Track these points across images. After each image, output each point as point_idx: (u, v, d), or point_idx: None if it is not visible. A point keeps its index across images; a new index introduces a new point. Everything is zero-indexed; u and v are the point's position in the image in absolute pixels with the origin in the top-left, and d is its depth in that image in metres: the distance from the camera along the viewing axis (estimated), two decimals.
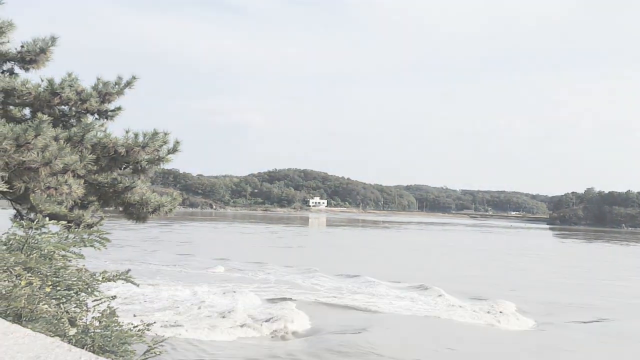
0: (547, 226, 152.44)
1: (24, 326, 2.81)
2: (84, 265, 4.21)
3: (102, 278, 4.01)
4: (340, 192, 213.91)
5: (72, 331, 3.40)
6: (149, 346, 4.01)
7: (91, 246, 4.10)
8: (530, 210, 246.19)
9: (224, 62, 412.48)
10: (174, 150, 8.65)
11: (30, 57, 8.44)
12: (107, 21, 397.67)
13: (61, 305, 3.57)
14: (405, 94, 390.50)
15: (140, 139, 8.21)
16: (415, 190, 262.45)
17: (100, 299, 3.96)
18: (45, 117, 6.95)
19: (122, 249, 34.35)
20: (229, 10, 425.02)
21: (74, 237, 3.99)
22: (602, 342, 17.85)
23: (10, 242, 3.77)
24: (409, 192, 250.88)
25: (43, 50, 8.46)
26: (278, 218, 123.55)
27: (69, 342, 3.09)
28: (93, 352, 3.40)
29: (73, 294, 3.75)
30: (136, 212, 9.06)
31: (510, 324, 19.59)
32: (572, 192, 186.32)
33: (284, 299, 21.52)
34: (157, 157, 8.52)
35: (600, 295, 27.02)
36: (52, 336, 2.77)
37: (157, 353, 4.01)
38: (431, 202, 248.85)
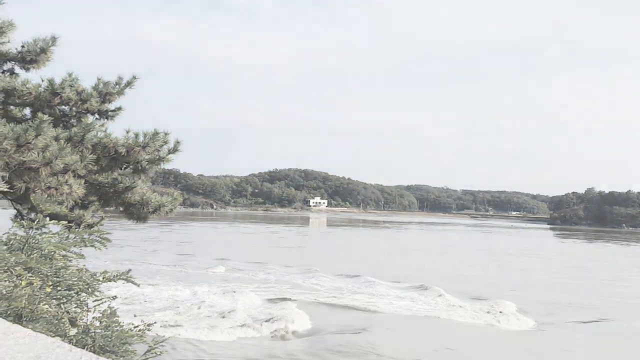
0: (548, 226, 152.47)
1: (24, 326, 2.82)
2: (84, 265, 4.22)
3: (103, 278, 4.02)
4: (341, 192, 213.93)
5: (73, 331, 3.40)
6: (150, 346, 4.02)
7: (92, 246, 4.11)
8: (530, 210, 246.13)
9: (224, 62, 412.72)
10: (174, 150, 8.67)
11: (31, 57, 8.46)
12: (107, 20, 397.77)
13: (62, 305, 3.58)
14: (405, 94, 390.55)
15: (141, 139, 8.23)
16: (416, 190, 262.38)
17: (100, 299, 3.97)
18: (45, 117, 6.96)
19: (122, 249, 34.33)
20: (237, 12, 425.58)
21: (75, 237, 4.00)
22: (602, 342, 17.85)
23: (11, 242, 3.78)
24: (409, 192, 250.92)
25: (43, 50, 8.48)
26: (279, 218, 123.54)
27: (70, 343, 3.10)
28: (94, 352, 3.40)
29: (74, 294, 3.76)
30: (137, 212, 9.07)
31: (510, 324, 19.57)
32: (573, 192, 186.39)
33: (284, 299, 21.51)
34: (157, 157, 8.54)
35: (600, 296, 27.01)
36: (53, 336, 2.78)
37: (158, 353, 4.01)
38: (432, 202, 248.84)
